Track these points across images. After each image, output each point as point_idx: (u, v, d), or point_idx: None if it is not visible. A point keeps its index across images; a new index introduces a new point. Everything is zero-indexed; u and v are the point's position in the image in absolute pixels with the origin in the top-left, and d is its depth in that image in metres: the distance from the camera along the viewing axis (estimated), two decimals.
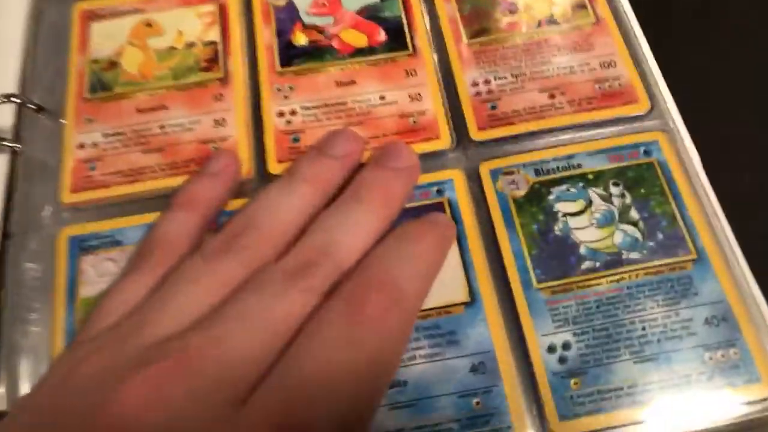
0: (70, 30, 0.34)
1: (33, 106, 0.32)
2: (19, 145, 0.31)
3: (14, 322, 0.28)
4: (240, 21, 0.34)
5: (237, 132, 0.31)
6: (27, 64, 0.34)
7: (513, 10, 0.34)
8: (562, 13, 0.34)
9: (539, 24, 0.34)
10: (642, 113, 0.31)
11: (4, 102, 0.32)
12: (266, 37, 0.34)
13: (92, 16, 0.34)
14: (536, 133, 0.31)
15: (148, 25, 0.34)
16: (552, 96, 0.31)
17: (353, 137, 0.30)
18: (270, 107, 0.32)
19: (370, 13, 0.34)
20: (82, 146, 0.31)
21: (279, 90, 0.32)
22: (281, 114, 0.32)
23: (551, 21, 0.34)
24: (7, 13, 0.35)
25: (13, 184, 0.31)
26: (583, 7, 0.34)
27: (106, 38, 0.34)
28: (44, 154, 0.31)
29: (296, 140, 0.31)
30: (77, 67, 0.33)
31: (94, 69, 0.33)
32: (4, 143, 0.31)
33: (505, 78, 0.32)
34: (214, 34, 0.34)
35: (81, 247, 0.29)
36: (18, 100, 0.32)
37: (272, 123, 0.31)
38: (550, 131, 0.31)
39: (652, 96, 0.31)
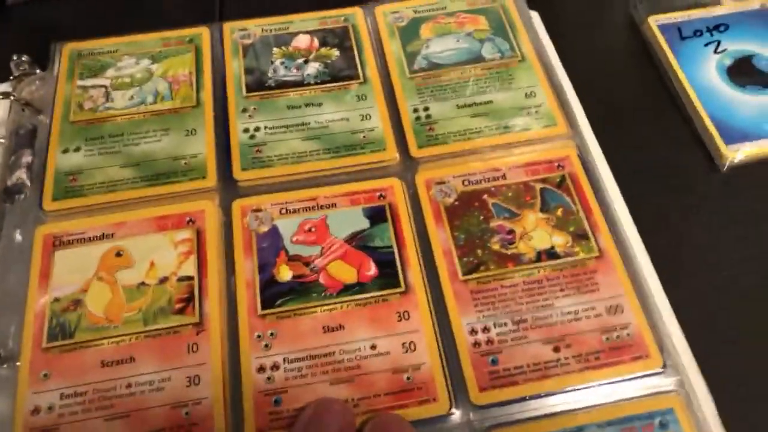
0: (31, 257, 0.31)
1: None
2: None
3: None
4: (219, 252, 0.32)
5: (212, 393, 0.28)
6: None
7: (511, 241, 0.32)
8: (563, 244, 0.32)
9: (539, 257, 0.32)
10: (655, 371, 0.29)
11: None
12: (247, 271, 0.31)
13: (57, 242, 0.32)
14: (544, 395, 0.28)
15: (118, 254, 0.31)
16: (557, 349, 0.29)
17: (342, 413, 0.27)
18: (250, 361, 0.29)
19: (359, 242, 0.32)
20: (36, 411, 0.27)
21: (259, 338, 0.29)
22: (261, 369, 0.28)
23: (552, 253, 0.32)
24: None
25: None
26: (584, 237, 0.32)
27: (71, 270, 0.31)
28: None
29: (278, 403, 0.28)
30: (36, 306, 0.30)
31: (55, 310, 0.30)
32: None
33: (506, 325, 0.30)
34: (190, 268, 0.31)
35: None
36: None
37: (252, 382, 0.28)
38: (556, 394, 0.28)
39: (663, 348, 0.29)
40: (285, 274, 0.31)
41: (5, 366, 0.28)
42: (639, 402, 0.28)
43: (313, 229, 0.32)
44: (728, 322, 0.32)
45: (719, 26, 0.43)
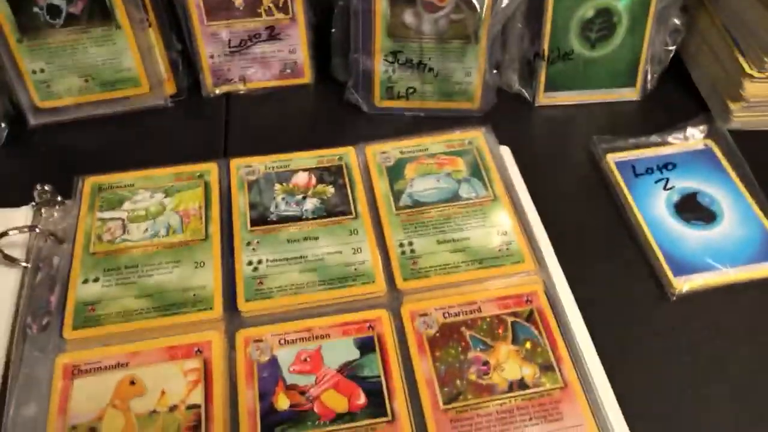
0: (51, 386, 0.34)
1: None
2: None
3: None
4: (224, 381, 0.35)
5: None
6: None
7: (486, 371, 0.36)
8: (531, 375, 0.35)
9: (511, 387, 0.35)
10: None
11: None
12: (249, 400, 0.34)
13: (76, 371, 0.35)
14: None
15: (132, 383, 0.35)
16: None
17: None
18: None
19: (350, 372, 0.36)
20: None
21: None
22: None
23: (521, 384, 0.35)
24: None
25: None
26: (550, 369, 0.36)
27: (88, 398, 0.34)
28: None
29: None
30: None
31: None
32: None
33: None
34: (198, 396, 0.34)
35: None
36: None
37: None
38: None
39: None
40: (283, 403, 0.34)
41: None
42: None
43: (308, 359, 0.36)
44: None
45: (668, 165, 0.49)
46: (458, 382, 0.35)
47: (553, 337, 0.37)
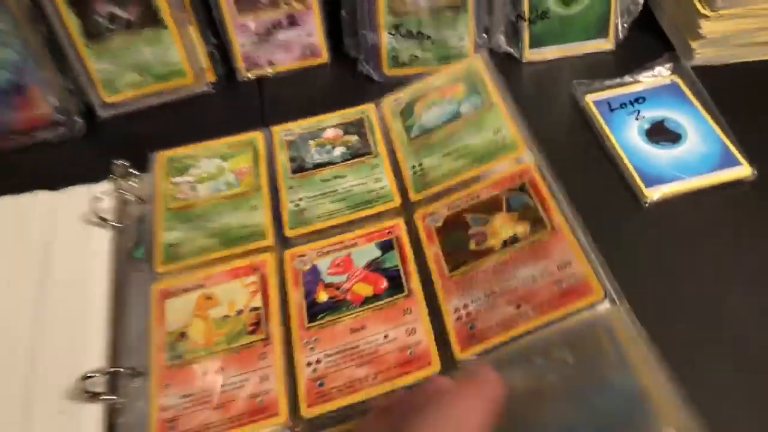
0: (151, 306, 0.45)
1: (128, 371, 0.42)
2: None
3: None
4: (276, 286, 0.45)
5: (276, 386, 0.40)
6: (117, 336, 0.44)
7: (483, 239, 0.44)
8: (523, 231, 0.43)
9: (505, 244, 0.43)
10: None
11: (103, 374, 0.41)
12: (296, 298, 0.44)
13: (167, 294, 0.45)
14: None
15: (208, 298, 0.45)
16: (518, 306, 0.40)
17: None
18: (301, 360, 0.41)
19: (374, 267, 0.45)
20: (164, 409, 0.40)
21: (307, 343, 0.42)
22: (309, 364, 0.41)
23: (514, 239, 0.43)
24: (91, 296, 0.46)
25: None
26: (540, 221, 0.44)
27: (177, 312, 0.44)
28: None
29: (321, 384, 0.40)
30: (157, 338, 0.43)
31: (169, 340, 0.43)
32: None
33: (479, 300, 0.42)
34: (258, 301, 0.44)
35: None
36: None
37: (303, 373, 0.41)
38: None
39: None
40: (323, 297, 0.44)
41: (140, 379, 0.42)
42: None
43: (341, 263, 0.46)
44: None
45: (639, 99, 0.57)
46: (461, 253, 0.44)
47: (542, 196, 0.45)
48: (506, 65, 0.63)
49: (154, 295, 0.45)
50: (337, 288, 0.44)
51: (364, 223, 0.48)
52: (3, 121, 0.58)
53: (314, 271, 0.45)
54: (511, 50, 0.63)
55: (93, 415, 0.41)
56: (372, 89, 0.63)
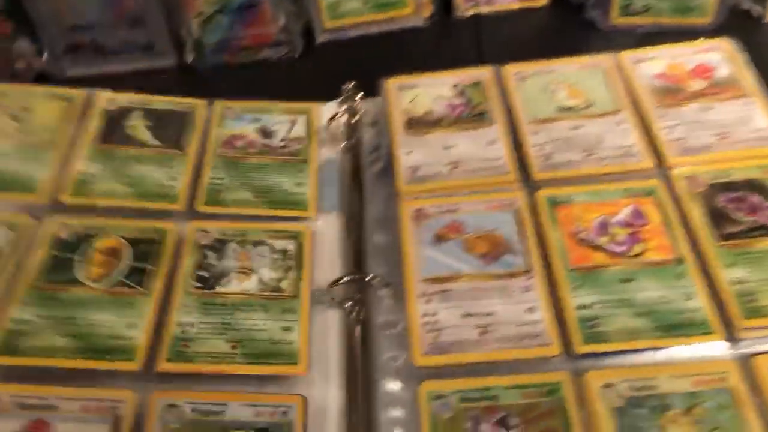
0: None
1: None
2: None
3: None
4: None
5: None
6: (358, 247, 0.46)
7: None
8: None
9: None
10: None
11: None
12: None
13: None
14: None
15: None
16: None
17: None
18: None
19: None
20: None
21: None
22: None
23: None
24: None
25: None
26: None
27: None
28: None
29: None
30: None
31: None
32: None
33: None
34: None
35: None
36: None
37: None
38: None
39: None
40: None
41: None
42: None
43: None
44: None
45: None
46: None
47: None
48: (742, 24, 0.59)
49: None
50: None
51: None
52: (236, 36, 0.61)
53: None
54: (752, 8, 0.60)
55: (334, 321, 0.43)
56: (594, 37, 0.61)
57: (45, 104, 0.54)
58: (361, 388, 0.40)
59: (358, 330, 0.42)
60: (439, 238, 0.44)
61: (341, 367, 0.41)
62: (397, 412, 0.38)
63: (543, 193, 0.46)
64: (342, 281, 0.43)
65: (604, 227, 0.44)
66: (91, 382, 0.39)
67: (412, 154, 0.49)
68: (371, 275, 0.43)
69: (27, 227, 0.46)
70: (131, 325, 0.42)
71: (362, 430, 0.38)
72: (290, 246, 0.46)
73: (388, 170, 0.49)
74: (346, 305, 0.43)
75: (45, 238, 0.46)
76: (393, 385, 0.39)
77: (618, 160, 0.48)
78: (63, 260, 0.45)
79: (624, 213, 0.45)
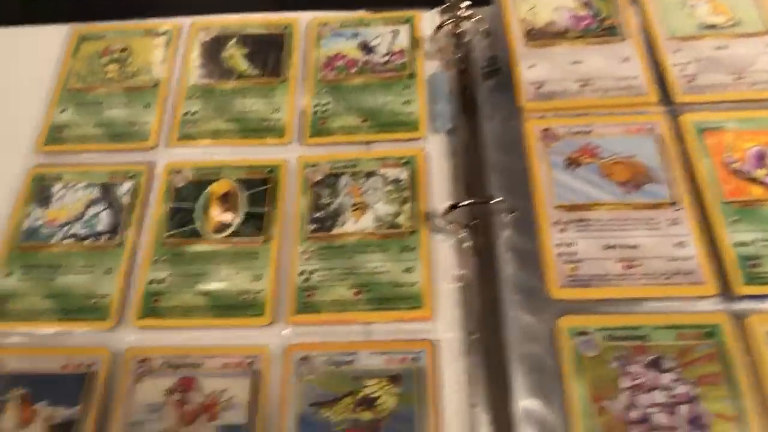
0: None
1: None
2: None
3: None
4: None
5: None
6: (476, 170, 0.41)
7: None
8: None
9: None
10: None
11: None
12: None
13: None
14: None
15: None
16: None
17: None
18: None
19: None
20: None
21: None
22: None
23: None
24: None
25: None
26: None
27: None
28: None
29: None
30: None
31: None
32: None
33: None
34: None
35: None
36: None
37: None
38: None
39: None
40: None
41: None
42: None
43: None
44: None
45: None
46: None
47: None
48: None
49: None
50: None
51: None
52: None
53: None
54: None
55: (453, 253, 0.39)
56: None
57: (142, 42, 0.51)
58: (490, 324, 0.36)
59: (480, 261, 0.39)
60: (572, 162, 0.40)
61: (466, 304, 0.38)
62: (531, 348, 0.35)
63: (689, 118, 0.41)
64: (460, 206, 0.39)
65: (761, 158, 0.39)
66: (227, 340, 0.38)
67: (534, 69, 0.44)
68: (497, 199, 0.39)
69: (144, 178, 0.44)
70: (257, 277, 0.40)
71: (495, 368, 0.35)
72: (403, 174, 0.42)
73: (505, 86, 0.44)
74: (465, 234, 0.39)
75: (161, 189, 0.43)
76: (526, 320, 0.36)
77: None
78: (182, 211, 0.43)
79: None
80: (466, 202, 0.39)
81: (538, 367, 0.34)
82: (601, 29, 0.46)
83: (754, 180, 0.38)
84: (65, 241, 0.42)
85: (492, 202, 0.39)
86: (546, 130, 0.41)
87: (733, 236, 0.36)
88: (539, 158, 0.40)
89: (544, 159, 0.40)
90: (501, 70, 0.45)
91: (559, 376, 0.33)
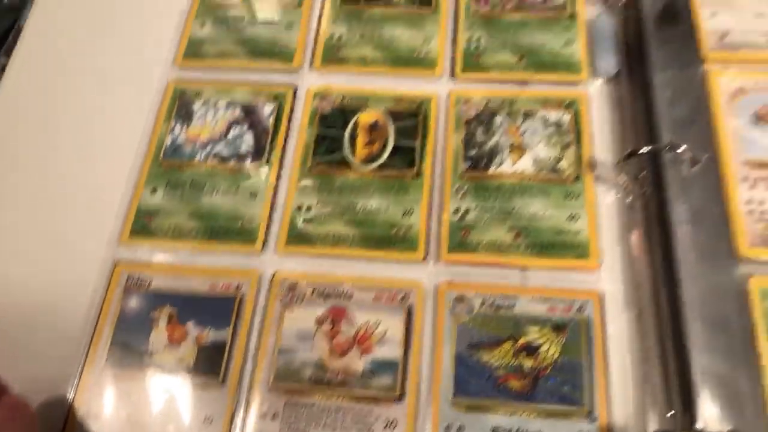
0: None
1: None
2: None
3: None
4: None
5: None
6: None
7: None
8: None
9: None
10: None
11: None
12: None
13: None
14: None
15: None
16: None
17: None
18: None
19: None
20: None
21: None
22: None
23: None
24: None
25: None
26: None
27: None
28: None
29: None
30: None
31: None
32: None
33: None
34: None
35: None
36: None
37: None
38: None
39: None
40: None
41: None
42: None
43: None
44: None
45: None
46: None
47: None
48: None
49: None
50: None
51: None
52: None
53: None
54: None
55: (623, 204, 0.37)
56: None
57: None
58: (665, 280, 0.34)
59: (653, 215, 0.36)
60: (761, 118, 0.37)
61: (633, 258, 0.36)
62: (715, 308, 0.33)
63: None
64: (640, 153, 0.37)
65: None
66: (379, 272, 0.37)
67: (717, 17, 0.41)
68: (682, 147, 0.36)
69: (288, 100, 0.42)
70: (408, 211, 0.38)
71: (671, 326, 0.33)
72: (566, 117, 0.40)
73: (684, 33, 0.41)
74: (637, 185, 0.37)
75: (306, 114, 0.42)
76: (709, 279, 0.33)
77: None
78: (330, 138, 0.41)
79: None
80: (647, 149, 0.37)
81: (724, 327, 0.32)
82: None
83: None
84: (209, 161, 0.41)
85: (678, 150, 0.36)
86: (732, 82, 0.38)
87: None
88: (724, 112, 0.37)
89: (731, 113, 0.37)
90: (680, 17, 0.42)
91: (750, 339, 0.32)
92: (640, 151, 0.36)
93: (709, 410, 0.30)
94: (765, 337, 0.31)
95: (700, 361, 0.32)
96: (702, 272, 0.34)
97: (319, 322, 0.37)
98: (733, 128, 0.37)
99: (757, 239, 0.33)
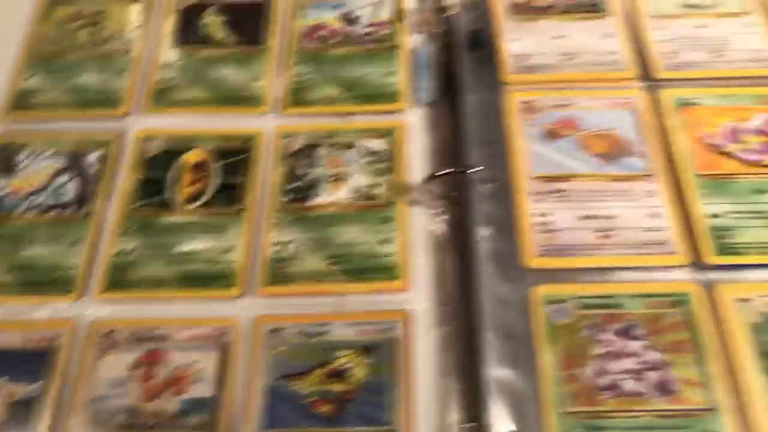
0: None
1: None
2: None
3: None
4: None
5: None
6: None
7: None
8: None
9: None
10: None
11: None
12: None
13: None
14: None
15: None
16: None
17: None
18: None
19: None
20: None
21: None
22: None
23: None
24: None
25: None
26: None
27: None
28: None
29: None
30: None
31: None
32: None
33: None
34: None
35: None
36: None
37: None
38: None
39: None
40: None
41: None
42: None
43: None
44: None
45: None
46: None
47: None
48: None
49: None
50: None
51: None
52: None
53: None
54: None
55: (430, 223, 0.39)
56: None
57: (116, 7, 0.49)
58: (463, 293, 0.36)
59: (456, 232, 0.38)
60: (551, 134, 0.40)
61: (440, 275, 0.37)
62: (505, 317, 0.34)
63: (668, 93, 0.41)
64: (439, 176, 0.39)
65: (734, 133, 0.39)
66: (196, 312, 0.37)
67: (519, 42, 0.44)
68: (475, 168, 0.38)
69: (113, 146, 0.43)
70: (229, 248, 0.39)
71: (467, 337, 0.35)
72: (383, 145, 0.42)
73: (489, 58, 0.44)
74: (443, 204, 0.39)
75: (132, 159, 0.42)
76: (500, 289, 0.35)
77: (749, 64, 0.42)
78: (153, 181, 0.42)
79: (757, 120, 0.40)
80: (444, 172, 0.38)
81: (510, 335, 0.34)
82: (585, 5, 0.46)
83: (727, 154, 0.38)
84: (29, 213, 0.41)
85: (470, 171, 0.38)
86: (526, 102, 0.41)
87: (705, 208, 0.36)
88: (518, 130, 0.40)
89: (524, 131, 0.40)
90: (484, 43, 0.44)
91: (531, 345, 0.33)
92: (438, 174, 0.38)
93: (498, 418, 0.31)
94: (543, 343, 0.33)
95: (490, 370, 0.33)
96: (496, 285, 0.35)
97: (134, 367, 0.36)
98: (524, 146, 0.39)
99: (541, 250, 0.35)
